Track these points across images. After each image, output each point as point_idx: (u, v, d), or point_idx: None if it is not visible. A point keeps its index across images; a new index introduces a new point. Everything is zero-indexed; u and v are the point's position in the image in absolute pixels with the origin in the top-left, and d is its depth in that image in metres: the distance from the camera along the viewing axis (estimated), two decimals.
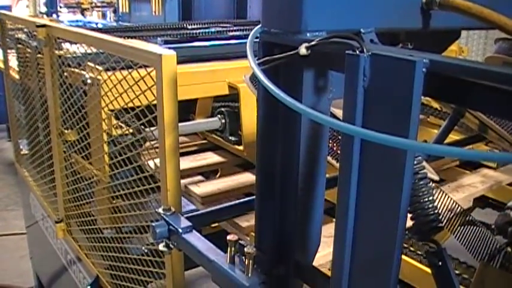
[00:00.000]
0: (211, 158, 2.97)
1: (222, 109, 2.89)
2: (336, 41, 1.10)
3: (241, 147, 2.77)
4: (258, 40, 1.34)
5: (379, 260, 1.08)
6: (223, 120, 2.87)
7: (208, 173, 2.98)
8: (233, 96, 2.77)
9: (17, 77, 3.59)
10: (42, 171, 3.34)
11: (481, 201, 2.85)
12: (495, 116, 2.35)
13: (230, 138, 2.85)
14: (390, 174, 1.02)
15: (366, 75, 1.00)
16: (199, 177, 2.80)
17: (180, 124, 1.85)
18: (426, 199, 1.25)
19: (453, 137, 2.75)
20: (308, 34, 1.21)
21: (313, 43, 1.13)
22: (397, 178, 1.00)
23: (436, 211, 1.26)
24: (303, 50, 1.13)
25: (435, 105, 2.89)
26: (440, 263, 1.25)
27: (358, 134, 1.00)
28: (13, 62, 3.70)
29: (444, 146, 0.82)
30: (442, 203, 1.83)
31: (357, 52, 1.00)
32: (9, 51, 3.79)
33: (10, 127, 4.20)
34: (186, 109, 3.16)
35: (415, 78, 0.92)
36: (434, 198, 1.30)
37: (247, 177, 2.72)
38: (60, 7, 11.50)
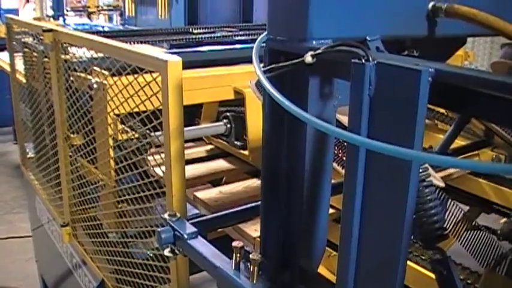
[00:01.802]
0: None
1: (228, 114, 2.89)
2: (341, 49, 1.10)
3: (246, 152, 2.77)
4: (264, 46, 1.35)
5: (384, 267, 1.08)
6: (228, 125, 2.88)
7: None
8: (239, 101, 2.77)
9: (23, 80, 3.61)
10: (48, 174, 3.35)
11: (487, 207, 2.85)
12: (500, 125, 2.35)
13: (235, 143, 2.85)
14: (395, 183, 1.02)
15: (372, 84, 1.00)
16: None
17: (185, 129, 1.86)
18: (431, 207, 1.25)
19: (459, 142, 2.74)
20: (314, 42, 1.21)
21: (318, 51, 1.13)
22: (402, 186, 1.00)
23: (441, 219, 1.26)
24: (308, 58, 1.13)
25: (440, 109, 2.89)
26: (445, 272, 1.25)
27: (363, 144, 1.00)
28: (20, 65, 3.71)
29: (449, 157, 0.82)
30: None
31: (363, 61, 1.00)
32: (15, 54, 3.80)
33: (16, 130, 4.21)
34: (192, 114, 3.17)
35: (421, 87, 0.92)
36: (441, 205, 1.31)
37: None
38: (67, 10, 11.55)
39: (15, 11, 10.38)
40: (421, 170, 1.21)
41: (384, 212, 1.06)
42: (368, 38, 1.26)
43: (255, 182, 2.68)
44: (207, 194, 2.55)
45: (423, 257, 1.97)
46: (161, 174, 1.93)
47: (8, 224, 6.24)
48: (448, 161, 0.83)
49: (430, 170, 1.32)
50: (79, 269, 3.11)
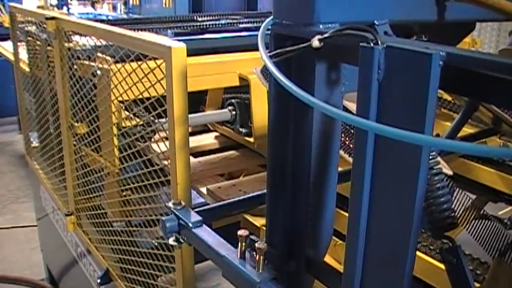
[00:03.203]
0: None
1: (233, 101, 2.87)
2: (349, 33, 1.07)
3: (251, 139, 2.76)
4: (269, 32, 1.32)
5: (393, 256, 1.06)
6: (233, 112, 2.86)
7: None
8: (244, 87, 2.75)
9: (27, 69, 3.59)
10: (52, 164, 3.34)
11: (494, 196, 2.83)
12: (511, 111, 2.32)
13: (241, 130, 2.84)
14: (405, 170, 0.99)
15: (381, 68, 0.97)
16: None
17: (190, 116, 1.84)
18: (440, 195, 1.23)
19: (466, 130, 2.72)
20: (321, 26, 1.19)
21: (326, 35, 1.10)
22: (411, 173, 0.98)
23: (450, 207, 1.24)
24: (315, 43, 1.11)
25: (447, 97, 2.87)
26: (455, 261, 1.23)
27: (372, 129, 0.97)
28: (23, 54, 3.70)
29: (461, 142, 0.80)
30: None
31: (371, 44, 0.97)
32: (19, 43, 3.79)
33: (20, 120, 4.20)
34: (197, 101, 3.15)
35: (432, 72, 0.90)
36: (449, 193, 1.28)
37: None
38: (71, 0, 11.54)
39: (19, 1, 10.34)
40: (430, 158, 1.19)
41: (393, 201, 1.03)
42: (376, 22, 1.24)
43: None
44: None
45: (431, 247, 1.95)
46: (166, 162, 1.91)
47: (13, 213, 6.25)
48: (460, 146, 0.80)
49: (439, 158, 1.29)
50: (84, 258, 3.11)
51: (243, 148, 3.05)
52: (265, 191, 1.51)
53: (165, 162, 1.92)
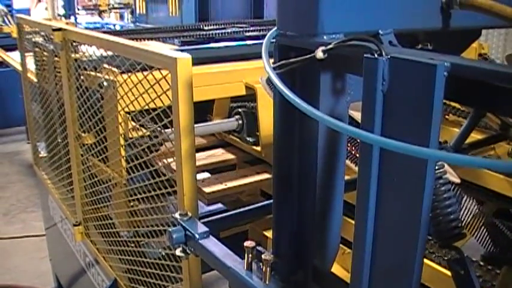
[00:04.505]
0: None
1: (239, 110, 2.87)
2: (353, 43, 1.07)
3: (258, 148, 2.75)
4: (274, 41, 1.32)
5: (400, 266, 1.06)
6: (240, 121, 2.85)
7: None
8: (250, 96, 2.75)
9: (34, 79, 3.61)
10: (60, 174, 3.35)
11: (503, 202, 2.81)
12: None
13: (247, 139, 2.83)
14: (411, 181, 0.99)
15: (385, 79, 0.97)
16: None
17: (196, 125, 1.83)
18: (447, 206, 1.22)
19: (474, 136, 2.70)
20: (325, 37, 1.18)
21: (330, 46, 1.10)
22: (417, 184, 0.97)
23: (457, 218, 1.23)
24: (319, 54, 1.10)
25: (455, 104, 2.85)
26: (462, 271, 1.21)
27: (378, 143, 0.97)
28: (31, 64, 3.71)
29: (467, 156, 0.79)
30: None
31: (376, 55, 0.97)
32: (27, 54, 3.81)
33: (28, 129, 4.22)
34: (203, 110, 3.15)
35: (436, 82, 0.89)
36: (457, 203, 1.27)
37: None
38: (78, 9, 11.61)
39: (27, 11, 10.41)
40: (436, 167, 1.18)
41: (400, 211, 1.03)
42: (380, 31, 1.23)
43: None
44: None
45: (439, 255, 1.94)
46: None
47: (22, 222, 6.27)
48: (465, 160, 0.80)
49: (446, 166, 1.29)
50: (92, 267, 3.11)
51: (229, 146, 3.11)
52: (271, 200, 1.50)
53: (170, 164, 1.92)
